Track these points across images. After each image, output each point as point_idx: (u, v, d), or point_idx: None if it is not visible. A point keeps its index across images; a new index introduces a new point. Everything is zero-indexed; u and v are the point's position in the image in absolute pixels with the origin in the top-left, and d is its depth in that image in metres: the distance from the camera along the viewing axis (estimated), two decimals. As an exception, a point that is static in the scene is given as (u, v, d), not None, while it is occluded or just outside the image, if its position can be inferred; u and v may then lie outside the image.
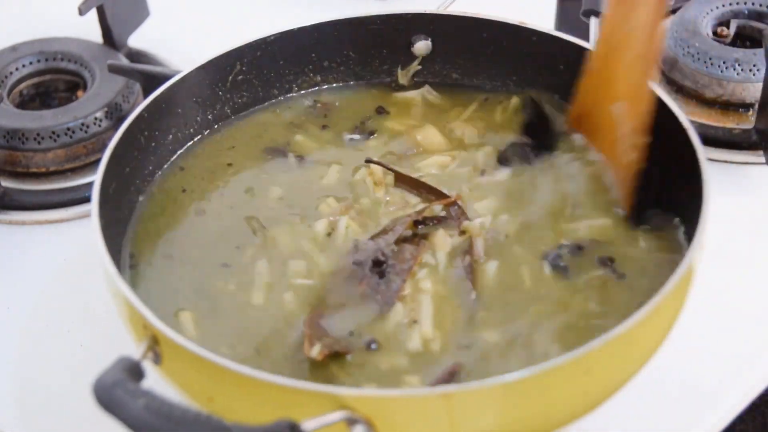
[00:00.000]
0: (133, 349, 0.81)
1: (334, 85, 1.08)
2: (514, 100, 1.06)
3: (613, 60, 0.95)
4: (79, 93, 1.21)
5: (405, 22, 1.03)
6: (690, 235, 0.86)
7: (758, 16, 1.20)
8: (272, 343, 0.86)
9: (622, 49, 0.94)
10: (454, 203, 0.95)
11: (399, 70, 1.09)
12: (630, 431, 0.90)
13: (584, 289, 0.88)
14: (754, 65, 1.13)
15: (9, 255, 1.08)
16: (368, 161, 1.00)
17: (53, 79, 1.23)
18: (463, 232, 0.93)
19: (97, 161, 0.93)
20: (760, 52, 1.13)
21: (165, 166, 1.01)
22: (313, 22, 1.05)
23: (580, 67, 0.99)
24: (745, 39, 1.20)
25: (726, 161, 1.11)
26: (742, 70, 1.14)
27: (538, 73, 1.04)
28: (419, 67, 1.08)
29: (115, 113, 1.16)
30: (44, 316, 1.02)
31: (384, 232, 0.93)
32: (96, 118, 1.15)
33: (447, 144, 1.03)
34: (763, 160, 1.09)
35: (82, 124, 1.14)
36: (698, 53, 1.15)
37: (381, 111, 1.07)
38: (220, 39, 1.06)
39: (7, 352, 0.99)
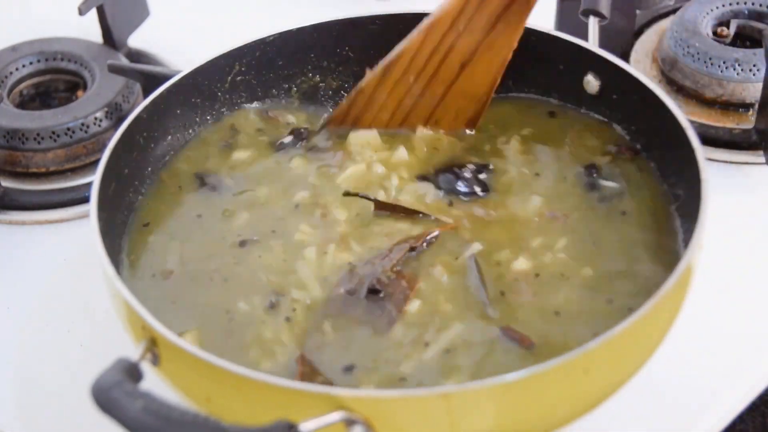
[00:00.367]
0: (133, 348, 0.81)
1: (334, 85, 1.08)
2: None
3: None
4: (79, 93, 1.21)
5: (405, 22, 1.03)
6: (689, 234, 0.86)
7: (758, 16, 1.20)
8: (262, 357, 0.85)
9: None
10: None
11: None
12: (630, 431, 0.90)
13: None
14: (754, 65, 1.13)
15: (9, 255, 1.08)
16: (346, 194, 0.95)
17: (53, 79, 1.23)
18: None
19: (97, 161, 0.93)
20: (760, 52, 1.13)
21: (165, 166, 1.01)
22: (312, 22, 1.05)
23: (580, 67, 0.99)
24: (745, 39, 1.19)
25: (726, 161, 1.11)
26: (742, 70, 1.13)
27: (538, 73, 1.04)
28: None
29: (115, 113, 1.16)
30: (44, 316, 1.02)
31: (380, 257, 0.90)
32: (96, 118, 1.15)
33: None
34: (763, 160, 1.09)
35: (82, 124, 1.14)
36: (698, 53, 1.15)
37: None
38: (220, 39, 1.06)
39: (7, 352, 0.99)
